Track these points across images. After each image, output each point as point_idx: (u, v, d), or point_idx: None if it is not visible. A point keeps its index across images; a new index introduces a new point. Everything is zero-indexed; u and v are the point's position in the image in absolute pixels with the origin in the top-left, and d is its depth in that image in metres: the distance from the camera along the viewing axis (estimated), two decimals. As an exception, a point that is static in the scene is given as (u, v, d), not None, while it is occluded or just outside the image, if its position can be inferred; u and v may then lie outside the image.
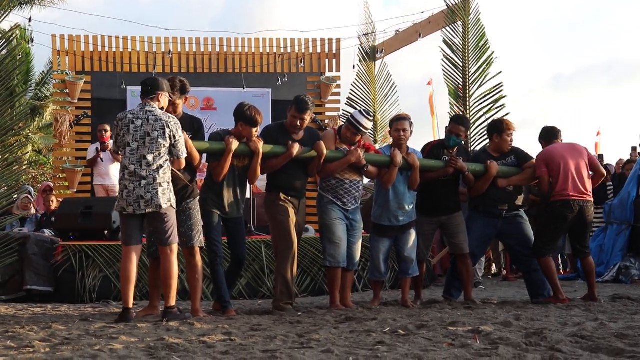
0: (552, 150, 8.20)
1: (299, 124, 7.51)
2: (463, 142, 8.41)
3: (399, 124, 7.93)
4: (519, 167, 8.31)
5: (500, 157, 8.31)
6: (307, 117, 7.56)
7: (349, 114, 8.09)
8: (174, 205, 6.69)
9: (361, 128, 7.65)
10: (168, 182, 6.61)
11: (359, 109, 8.24)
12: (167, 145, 6.57)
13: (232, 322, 6.38)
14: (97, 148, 12.14)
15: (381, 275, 8.08)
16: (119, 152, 6.78)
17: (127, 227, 6.70)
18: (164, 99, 6.78)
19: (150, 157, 6.50)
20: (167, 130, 6.55)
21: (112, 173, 12.19)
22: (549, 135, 8.41)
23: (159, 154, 6.54)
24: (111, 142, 11.80)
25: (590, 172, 8.26)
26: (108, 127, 12.21)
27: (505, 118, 9.03)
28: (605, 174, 8.76)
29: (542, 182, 8.19)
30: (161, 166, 6.55)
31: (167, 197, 6.57)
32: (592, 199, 8.18)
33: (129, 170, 6.54)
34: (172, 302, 6.64)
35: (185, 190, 6.96)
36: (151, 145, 6.52)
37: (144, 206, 6.50)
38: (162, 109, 6.72)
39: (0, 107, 9.63)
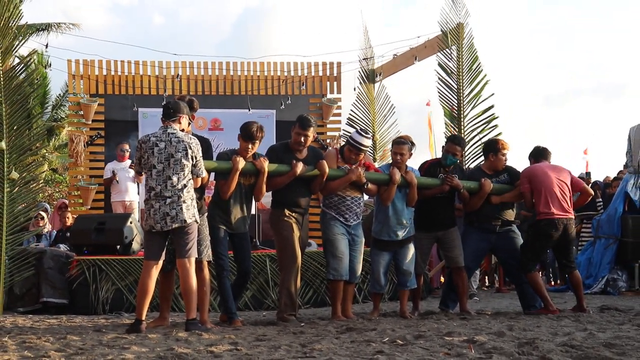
0: (536, 168, 8.21)
1: (302, 140, 7.53)
2: (459, 161, 8.42)
3: (398, 148, 7.93)
4: (511, 185, 8.32)
5: (493, 175, 8.32)
6: (310, 134, 7.58)
7: (348, 136, 8.08)
8: (198, 220, 6.72)
9: (362, 147, 7.68)
10: (192, 199, 6.63)
11: (356, 128, 8.23)
12: (190, 165, 6.61)
13: (238, 333, 6.37)
14: (112, 171, 12.16)
15: (381, 288, 8.07)
16: (142, 173, 6.82)
17: (150, 243, 6.73)
18: (184, 121, 6.82)
19: (175, 178, 6.53)
20: (190, 152, 6.59)
21: (130, 190, 12.18)
22: (538, 154, 8.41)
23: (183, 174, 6.57)
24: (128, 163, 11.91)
25: (577, 192, 8.29)
26: (127, 146, 12.23)
27: (500, 138, 9.02)
28: (592, 194, 8.76)
29: (525, 197, 8.21)
30: (185, 185, 6.58)
31: (191, 212, 6.60)
32: (573, 216, 8.19)
33: (155, 191, 6.57)
34: (194, 314, 6.64)
35: None
36: (175, 166, 6.54)
37: (170, 222, 6.53)
38: (182, 130, 6.74)
39: (19, 128, 9.68)
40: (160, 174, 6.56)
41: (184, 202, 6.55)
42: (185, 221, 6.55)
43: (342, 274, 7.60)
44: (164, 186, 6.54)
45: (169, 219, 6.53)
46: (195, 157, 6.65)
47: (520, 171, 8.45)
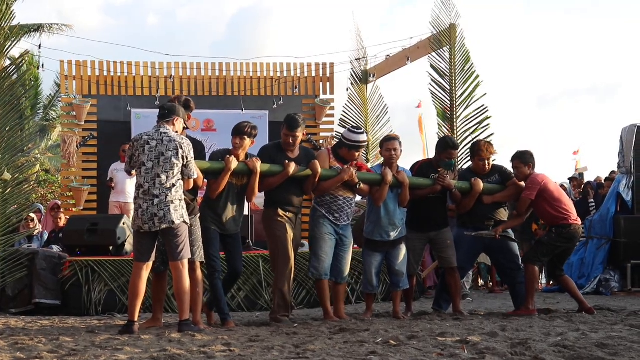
0: (546, 179, 8.12)
1: (291, 141, 7.52)
2: (454, 163, 8.39)
3: (390, 144, 7.95)
4: (503, 185, 8.31)
5: (484, 175, 8.29)
6: (299, 134, 7.57)
7: (341, 137, 8.05)
8: (187, 221, 6.69)
9: (360, 144, 7.69)
10: (180, 199, 6.60)
11: (347, 127, 8.20)
12: (180, 165, 6.59)
13: (231, 334, 6.37)
14: (110, 177, 12.13)
15: (373, 288, 8.07)
16: (132, 172, 6.84)
17: (139, 244, 6.72)
18: (179, 123, 6.81)
19: (163, 176, 6.52)
20: (180, 151, 6.58)
21: (127, 190, 12.13)
22: (530, 159, 8.20)
23: (172, 173, 6.55)
24: None
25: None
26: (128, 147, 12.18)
27: (483, 141, 8.89)
28: None
29: (523, 203, 8.10)
30: (174, 185, 6.55)
31: (179, 214, 6.57)
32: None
33: (143, 188, 6.56)
34: (187, 315, 6.64)
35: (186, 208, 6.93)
36: (165, 165, 6.53)
37: (158, 223, 6.51)
38: (176, 132, 6.73)
39: (11, 129, 9.67)
40: (149, 171, 6.55)
41: (172, 202, 6.53)
42: (173, 222, 6.53)
43: (321, 273, 7.59)
44: (152, 184, 6.53)
45: (156, 219, 6.51)
46: (186, 158, 6.63)
47: (511, 170, 8.41)
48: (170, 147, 6.56)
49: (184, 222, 6.64)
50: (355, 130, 7.78)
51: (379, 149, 8.11)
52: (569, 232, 8.04)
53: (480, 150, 8.28)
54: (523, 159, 8.20)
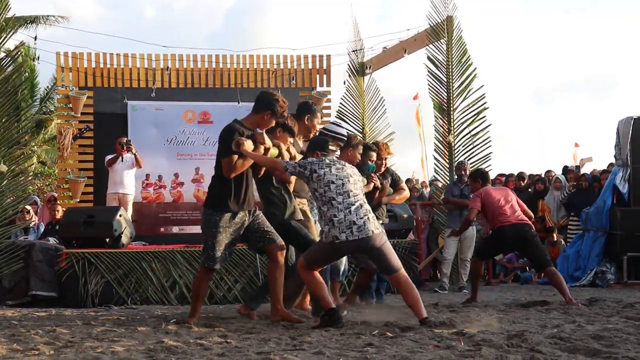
0: (490, 191, 8.81)
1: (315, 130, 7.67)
2: (374, 166, 8.46)
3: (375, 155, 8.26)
4: (393, 187, 8.61)
5: (380, 175, 8.46)
6: None
7: (325, 131, 7.95)
8: (382, 230, 6.50)
9: (339, 137, 7.61)
10: (371, 212, 6.49)
11: (331, 121, 8.21)
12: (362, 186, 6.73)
13: (228, 325, 6.37)
14: (118, 145, 12.05)
15: (338, 276, 8.00)
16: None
17: (322, 252, 6.54)
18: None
19: (356, 191, 6.46)
20: (359, 177, 6.69)
21: (126, 182, 12.08)
22: (483, 177, 9.13)
23: (362, 191, 6.59)
24: (128, 155, 11.88)
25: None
26: (125, 140, 12.12)
27: (381, 142, 9.19)
28: (532, 217, 9.26)
29: (471, 212, 8.95)
30: (363, 198, 6.52)
31: (375, 224, 6.37)
32: (529, 222, 8.66)
33: (336, 200, 6.36)
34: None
35: None
36: (355, 184, 6.50)
37: (357, 232, 6.26)
38: None
39: (7, 121, 9.65)
40: (339, 187, 6.40)
41: (369, 212, 6.43)
42: (373, 232, 6.30)
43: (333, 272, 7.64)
44: (345, 196, 6.38)
45: (355, 228, 6.28)
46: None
47: (398, 178, 8.83)
48: (355, 172, 6.64)
49: (381, 232, 6.45)
50: (337, 124, 7.83)
51: (371, 151, 8.12)
52: (496, 233, 8.78)
53: (379, 150, 8.51)
54: (471, 176, 9.41)
